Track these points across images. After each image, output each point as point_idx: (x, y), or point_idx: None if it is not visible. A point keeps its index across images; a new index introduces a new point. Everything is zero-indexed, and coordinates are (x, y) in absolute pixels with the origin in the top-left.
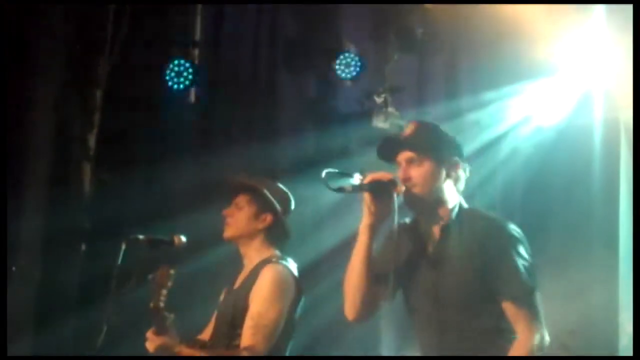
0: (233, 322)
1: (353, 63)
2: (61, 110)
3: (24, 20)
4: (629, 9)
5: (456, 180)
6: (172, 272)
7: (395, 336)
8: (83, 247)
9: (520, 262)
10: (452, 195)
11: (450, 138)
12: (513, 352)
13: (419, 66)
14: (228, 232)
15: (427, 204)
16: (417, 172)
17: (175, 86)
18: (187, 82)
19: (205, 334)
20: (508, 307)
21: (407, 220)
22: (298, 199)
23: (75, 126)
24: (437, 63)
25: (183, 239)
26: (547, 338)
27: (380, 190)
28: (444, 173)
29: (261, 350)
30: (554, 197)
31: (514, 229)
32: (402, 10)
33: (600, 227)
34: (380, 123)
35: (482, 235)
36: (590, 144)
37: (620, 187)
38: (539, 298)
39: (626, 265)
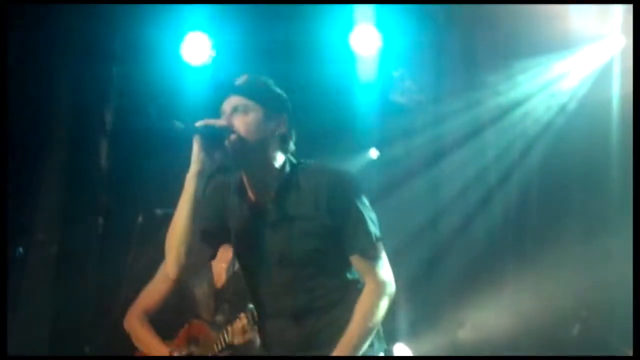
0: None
1: (370, 37)
2: (77, 86)
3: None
4: None
5: (283, 138)
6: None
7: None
8: (100, 220)
9: (366, 213)
10: (281, 152)
11: (281, 94)
12: (360, 303)
13: (436, 39)
14: None
15: (250, 157)
16: (241, 121)
17: (193, 61)
18: (204, 56)
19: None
20: (355, 260)
21: (240, 176)
22: None
23: (92, 101)
24: (454, 36)
25: None
26: (394, 286)
27: (210, 136)
28: (269, 128)
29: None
30: (570, 173)
31: (356, 179)
32: None
33: (618, 202)
34: (397, 97)
35: (327, 189)
36: (608, 120)
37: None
38: (382, 247)
39: None
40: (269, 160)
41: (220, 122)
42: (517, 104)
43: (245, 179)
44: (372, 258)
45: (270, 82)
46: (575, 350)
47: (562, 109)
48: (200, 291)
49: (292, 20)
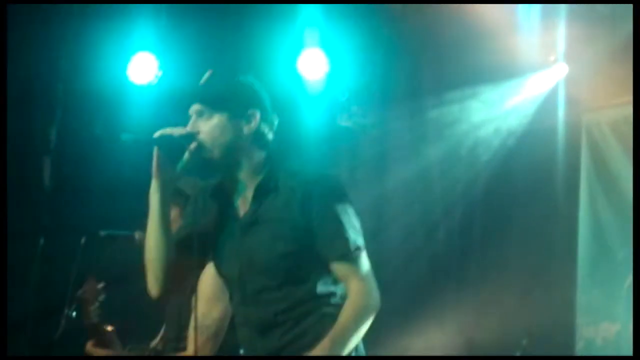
0: (179, 324)
1: (318, 61)
2: (22, 104)
3: None
4: (592, 12)
5: (258, 135)
6: (100, 286)
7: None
8: (42, 241)
9: (346, 219)
10: (257, 151)
11: (249, 88)
12: (345, 310)
13: (383, 65)
14: None
15: (220, 161)
16: (205, 126)
17: (139, 81)
18: (151, 77)
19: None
20: (337, 267)
21: (214, 180)
22: None
23: (36, 119)
24: (402, 62)
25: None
26: (378, 297)
27: (170, 146)
28: (238, 128)
29: (207, 352)
30: (515, 198)
31: (338, 183)
32: (368, 9)
33: (560, 229)
34: (343, 121)
35: (303, 193)
36: (552, 147)
37: (581, 191)
38: (366, 257)
39: (585, 268)
40: (243, 160)
41: (179, 130)
42: (462, 130)
43: (222, 182)
44: (354, 264)
45: (234, 78)
46: None
47: (507, 136)
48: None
49: (239, 42)
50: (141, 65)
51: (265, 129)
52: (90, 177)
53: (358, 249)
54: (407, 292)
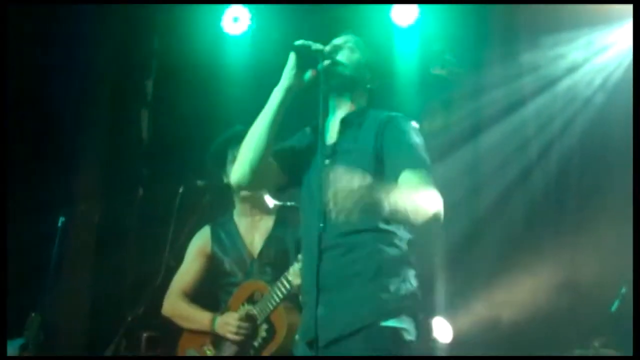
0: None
1: (410, 10)
2: (119, 57)
3: None
4: None
5: (372, 93)
6: None
7: None
8: (141, 191)
9: (418, 145)
10: (365, 104)
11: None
12: (424, 209)
13: (477, 12)
14: None
15: (339, 90)
16: (344, 56)
17: (232, 31)
18: (244, 27)
19: None
20: (407, 176)
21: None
22: None
23: (133, 72)
24: (495, 8)
25: None
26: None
27: (306, 55)
28: (365, 74)
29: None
30: (613, 146)
31: (412, 124)
32: None
33: None
34: (438, 70)
35: (379, 125)
36: None
37: None
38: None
39: None
40: (353, 103)
41: (317, 45)
42: (558, 77)
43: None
44: (423, 175)
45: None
46: (615, 327)
47: (604, 83)
48: (237, 264)
49: None
50: (234, 17)
51: (374, 95)
52: (187, 128)
53: (428, 165)
54: (504, 240)
